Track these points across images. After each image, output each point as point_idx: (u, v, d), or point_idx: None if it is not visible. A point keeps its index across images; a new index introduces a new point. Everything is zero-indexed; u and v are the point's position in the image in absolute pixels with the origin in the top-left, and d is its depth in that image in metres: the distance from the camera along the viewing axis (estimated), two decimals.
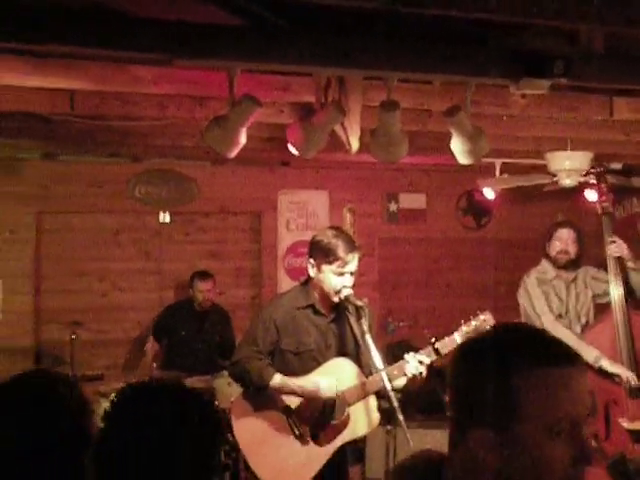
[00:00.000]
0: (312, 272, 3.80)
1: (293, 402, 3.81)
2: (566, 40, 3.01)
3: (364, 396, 3.77)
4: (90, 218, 7.07)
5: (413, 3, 2.48)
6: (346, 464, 4.01)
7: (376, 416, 3.84)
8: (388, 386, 3.56)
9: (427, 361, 3.72)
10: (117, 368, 6.94)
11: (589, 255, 5.36)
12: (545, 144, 5.27)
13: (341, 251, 3.68)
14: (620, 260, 4.89)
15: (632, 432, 4.57)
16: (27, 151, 6.54)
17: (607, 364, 4.66)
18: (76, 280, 7.02)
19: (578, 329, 5.10)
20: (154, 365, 5.94)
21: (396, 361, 3.76)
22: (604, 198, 5.02)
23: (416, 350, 3.81)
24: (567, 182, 5.33)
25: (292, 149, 3.69)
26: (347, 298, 3.72)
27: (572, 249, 5.13)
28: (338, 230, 3.89)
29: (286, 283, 7.23)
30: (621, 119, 4.36)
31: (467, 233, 8.24)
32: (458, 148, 3.64)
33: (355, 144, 4.15)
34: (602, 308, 5.13)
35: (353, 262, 3.72)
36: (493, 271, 8.22)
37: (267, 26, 2.86)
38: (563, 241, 5.12)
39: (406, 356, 3.72)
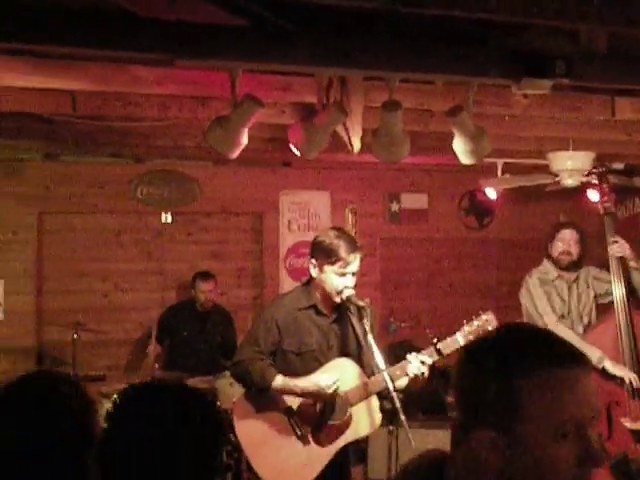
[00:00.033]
0: (314, 272, 3.80)
1: (295, 403, 3.81)
2: (568, 40, 3.01)
3: (366, 396, 3.77)
4: (92, 219, 7.07)
5: (413, 3, 2.48)
6: (348, 464, 4.01)
7: (378, 416, 3.84)
8: (390, 386, 3.56)
9: (429, 361, 3.72)
10: (119, 369, 6.95)
11: (591, 255, 5.35)
12: (547, 144, 5.27)
13: (343, 251, 3.68)
14: (622, 260, 4.88)
15: (634, 432, 4.57)
16: (29, 152, 6.55)
17: (609, 365, 4.66)
18: (78, 280, 7.02)
19: (580, 329, 5.09)
20: (156, 366, 5.94)
21: (398, 361, 3.75)
22: (606, 198, 5.01)
23: (418, 350, 3.80)
24: (569, 182, 5.33)
25: (294, 150, 3.69)
26: (349, 298, 3.72)
27: (574, 250, 5.12)
28: (340, 230, 3.88)
29: (288, 284, 7.23)
30: (623, 119, 4.35)
31: (469, 233, 8.24)
32: (460, 148, 3.63)
33: (357, 144, 4.15)
34: (604, 308, 5.12)
35: (355, 262, 3.72)
36: (495, 271, 8.22)
37: (268, 26, 2.85)
38: (566, 242, 5.12)
39: (408, 356, 3.72)
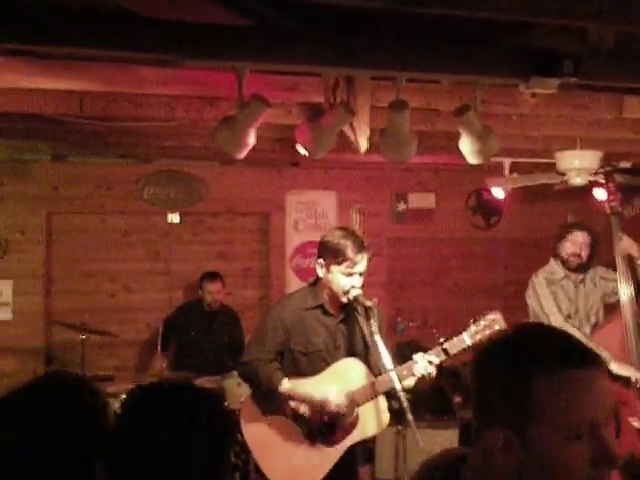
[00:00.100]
0: (321, 272, 3.80)
1: (301, 404, 3.81)
2: (576, 39, 3.00)
3: (373, 396, 3.76)
4: (99, 219, 7.09)
5: (414, 3, 2.47)
6: (356, 464, 4.01)
7: (386, 416, 3.83)
8: (398, 386, 3.55)
9: (436, 361, 3.71)
10: (127, 369, 6.96)
11: (598, 254, 5.33)
12: (555, 143, 5.26)
13: (350, 251, 3.67)
14: (629, 259, 4.87)
15: None
16: (36, 152, 6.57)
17: (615, 367, 4.63)
18: (86, 281, 7.04)
19: (588, 329, 5.08)
20: (164, 366, 5.95)
21: (405, 361, 3.75)
22: (612, 197, 5.00)
23: (425, 350, 3.79)
24: (577, 181, 5.31)
25: (301, 150, 3.69)
26: (356, 298, 3.71)
27: (584, 253, 5.11)
28: (347, 230, 3.88)
29: (294, 283, 7.23)
30: (631, 118, 4.34)
31: (476, 232, 8.22)
32: (467, 148, 3.63)
33: (364, 144, 4.14)
34: (611, 308, 5.11)
35: (362, 262, 3.72)
36: (503, 271, 8.21)
37: (273, 26, 2.85)
38: (577, 245, 5.11)
39: (415, 356, 3.72)
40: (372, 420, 3.81)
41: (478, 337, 3.75)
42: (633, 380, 4.64)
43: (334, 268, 3.72)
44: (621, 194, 5.09)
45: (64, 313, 6.74)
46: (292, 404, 3.77)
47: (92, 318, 6.41)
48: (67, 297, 6.96)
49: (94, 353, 6.36)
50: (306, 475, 3.77)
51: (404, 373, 3.69)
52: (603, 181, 5.16)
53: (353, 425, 3.79)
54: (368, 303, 3.69)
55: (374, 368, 3.82)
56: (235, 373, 4.91)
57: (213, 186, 7.33)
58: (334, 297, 3.79)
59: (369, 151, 4.18)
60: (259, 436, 3.86)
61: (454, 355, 3.78)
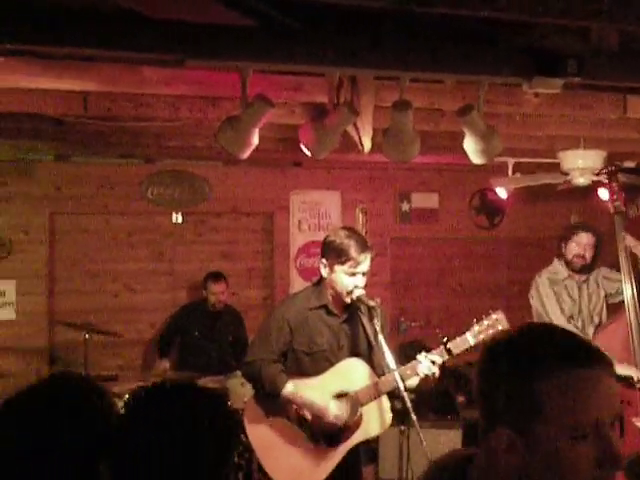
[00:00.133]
0: (324, 272, 3.80)
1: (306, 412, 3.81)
2: (579, 38, 3.00)
3: (377, 396, 3.76)
4: (103, 219, 7.09)
5: (421, 2, 2.47)
6: (359, 464, 4.01)
7: (389, 416, 3.83)
8: (401, 386, 3.55)
9: (439, 361, 3.71)
10: (130, 369, 6.97)
11: (602, 255, 5.33)
12: (558, 143, 5.25)
13: (353, 251, 3.67)
14: (633, 258, 4.86)
15: None
16: (40, 152, 6.57)
17: (617, 367, 4.61)
18: (89, 281, 7.04)
19: (591, 329, 5.07)
20: (167, 366, 5.95)
21: (409, 361, 3.75)
22: (615, 197, 4.99)
23: (428, 350, 3.79)
24: (580, 181, 5.30)
25: (305, 150, 3.69)
26: (359, 298, 3.72)
27: (589, 254, 5.11)
28: (350, 230, 3.88)
29: (298, 283, 7.24)
30: (635, 117, 4.34)
31: (480, 232, 8.22)
32: (471, 147, 3.63)
33: (367, 144, 4.14)
34: (615, 308, 5.10)
35: (365, 262, 3.72)
36: (506, 270, 8.21)
37: (276, 26, 2.85)
38: (582, 246, 5.10)
39: (418, 356, 3.72)
40: (375, 420, 3.81)
41: (481, 337, 3.75)
42: (635, 379, 4.62)
43: (337, 268, 3.72)
44: (625, 194, 5.07)
45: (67, 313, 6.75)
46: (295, 407, 3.77)
47: (95, 318, 6.42)
48: (70, 297, 6.96)
49: (97, 353, 6.36)
50: (309, 475, 3.77)
51: (407, 373, 3.69)
52: (607, 181, 5.15)
53: (356, 425, 3.79)
54: (371, 303, 3.69)
55: (377, 368, 3.82)
56: (239, 373, 4.91)
57: (217, 186, 7.33)
58: (338, 297, 3.79)
59: (373, 151, 4.18)
60: (262, 436, 3.86)
61: (457, 355, 3.78)
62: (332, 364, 3.82)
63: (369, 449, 4.20)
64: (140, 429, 1.77)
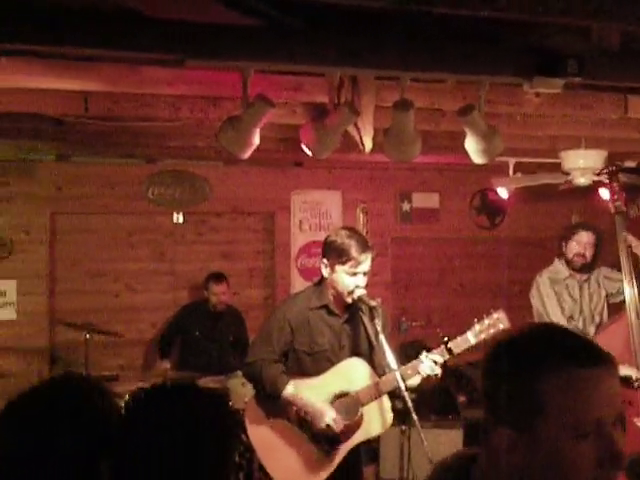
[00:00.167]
0: (325, 272, 3.80)
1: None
2: (580, 38, 2.99)
3: (378, 396, 3.76)
4: (104, 219, 7.09)
5: (421, 1, 2.47)
6: (360, 464, 4.01)
7: (390, 416, 3.83)
8: (402, 386, 3.55)
9: (441, 360, 3.72)
10: (131, 369, 6.97)
11: (602, 255, 5.32)
12: (559, 143, 5.25)
13: (354, 251, 3.68)
14: (634, 258, 4.86)
15: None
16: (41, 153, 6.57)
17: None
18: (90, 281, 7.04)
19: (592, 329, 5.07)
20: (168, 366, 5.96)
21: (409, 361, 3.75)
22: (616, 197, 4.99)
23: (429, 350, 3.80)
24: (581, 181, 5.30)
25: (305, 150, 3.69)
26: (360, 298, 3.72)
27: (589, 253, 5.11)
28: (351, 230, 3.88)
29: (299, 283, 7.24)
30: (636, 117, 4.33)
31: (480, 232, 8.22)
32: (472, 147, 3.63)
33: (368, 144, 4.14)
34: (616, 308, 5.10)
35: (366, 262, 3.72)
36: (507, 270, 8.21)
37: (277, 26, 2.85)
38: (582, 244, 5.11)
39: (420, 356, 3.72)
40: (376, 420, 3.81)
41: (482, 336, 3.75)
42: (634, 378, 4.62)
43: (338, 268, 3.72)
44: (625, 194, 5.07)
45: (68, 313, 6.75)
46: (295, 409, 3.77)
47: (96, 318, 6.42)
48: (71, 297, 6.96)
49: (98, 353, 6.36)
50: (310, 475, 3.77)
51: (408, 372, 3.69)
52: (607, 181, 5.15)
53: (357, 425, 3.79)
54: (372, 303, 3.69)
55: (378, 368, 3.82)
56: (239, 373, 4.91)
57: (218, 186, 7.33)
58: (339, 297, 3.79)
59: (373, 151, 4.18)
60: (263, 436, 3.86)
61: (458, 354, 3.78)
62: (333, 364, 3.82)
63: (370, 449, 4.20)
64: (140, 430, 1.77)
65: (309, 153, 3.69)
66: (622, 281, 4.85)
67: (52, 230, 6.94)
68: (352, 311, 3.84)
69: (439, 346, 3.75)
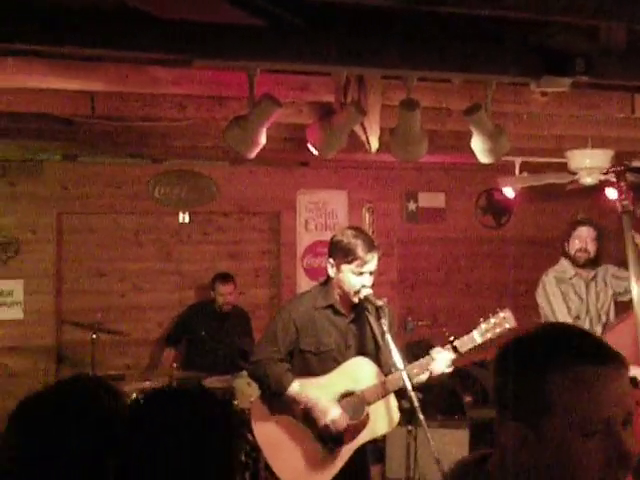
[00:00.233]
0: (332, 272, 3.80)
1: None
2: (587, 37, 2.99)
3: (384, 395, 3.76)
4: (110, 219, 7.10)
5: (430, 1, 2.47)
6: (367, 464, 4.01)
7: (397, 415, 3.83)
8: (409, 386, 3.55)
9: (453, 357, 3.74)
10: (137, 368, 6.97)
11: (610, 253, 5.32)
12: (566, 142, 5.24)
13: (360, 251, 3.68)
14: None
15: None
16: (47, 152, 6.59)
17: None
18: (96, 280, 7.05)
19: (599, 329, 5.06)
20: (174, 365, 5.97)
21: (416, 360, 3.76)
22: (624, 196, 4.98)
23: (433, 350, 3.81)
24: (588, 180, 5.29)
25: (312, 149, 3.69)
26: (367, 298, 3.72)
27: (591, 247, 5.10)
28: (357, 230, 3.88)
29: (305, 283, 7.24)
30: None
31: (486, 232, 8.21)
32: (479, 147, 3.62)
33: (375, 144, 4.14)
34: (623, 307, 5.09)
35: (372, 262, 3.72)
36: (513, 270, 8.19)
37: (282, 26, 2.85)
38: (582, 239, 5.10)
39: (432, 353, 3.73)
40: (383, 419, 3.81)
41: (488, 335, 3.76)
42: (638, 378, 4.60)
43: (344, 267, 3.72)
44: (633, 193, 5.06)
45: (75, 312, 6.76)
46: (301, 407, 3.77)
47: (103, 317, 6.42)
48: (78, 296, 6.97)
49: (105, 352, 6.38)
50: (317, 474, 3.77)
51: (415, 371, 3.69)
52: (615, 180, 5.14)
53: (363, 424, 3.79)
54: (379, 302, 3.69)
55: (385, 367, 3.82)
56: (245, 373, 4.91)
57: (223, 186, 7.34)
58: (345, 297, 3.79)
59: (380, 150, 4.18)
60: (269, 435, 3.87)
61: (465, 353, 3.78)
62: (339, 364, 3.82)
63: (376, 449, 4.20)
64: (147, 430, 1.78)
65: (315, 153, 3.69)
66: (630, 280, 4.84)
67: (59, 230, 6.95)
68: (358, 311, 3.84)
69: (445, 345, 3.76)
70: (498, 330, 3.75)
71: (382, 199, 7.78)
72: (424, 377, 3.75)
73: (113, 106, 4.02)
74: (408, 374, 3.60)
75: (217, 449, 1.77)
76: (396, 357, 3.61)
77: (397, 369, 3.63)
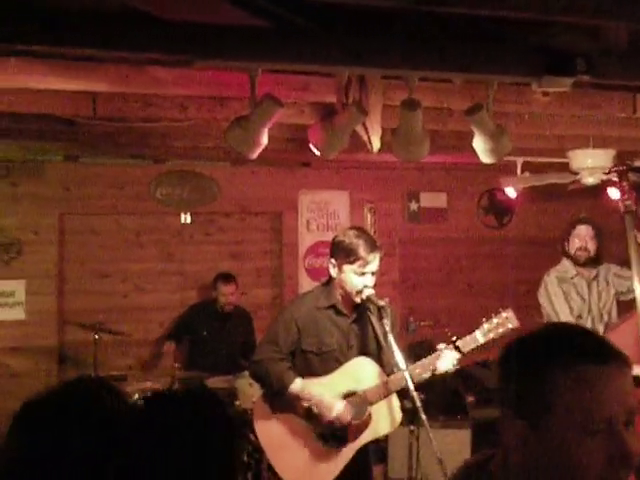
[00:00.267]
0: (334, 272, 3.80)
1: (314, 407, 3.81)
2: (588, 37, 2.99)
3: (386, 395, 3.76)
4: (112, 219, 7.11)
5: (436, 2, 2.47)
6: (369, 464, 4.01)
7: (399, 415, 3.84)
8: (411, 386, 3.55)
9: (458, 357, 3.75)
10: (139, 368, 6.98)
11: (612, 253, 5.31)
12: (567, 142, 5.24)
13: (362, 251, 3.68)
14: None
15: None
16: (49, 153, 6.59)
17: None
18: (98, 281, 7.06)
19: (601, 328, 5.05)
20: (176, 365, 5.97)
21: (418, 360, 3.76)
22: (626, 196, 4.97)
23: (436, 350, 3.80)
24: (590, 180, 5.29)
25: (314, 150, 3.69)
26: (369, 298, 3.72)
27: (591, 246, 5.10)
28: (359, 230, 3.88)
29: (307, 283, 7.24)
30: None
31: (488, 232, 8.21)
32: (480, 147, 3.62)
33: (376, 144, 4.14)
34: (625, 307, 5.08)
35: (374, 262, 3.72)
36: (514, 270, 8.18)
37: (284, 26, 2.85)
38: (581, 238, 5.10)
39: (439, 349, 3.73)
40: (385, 419, 3.81)
41: (491, 335, 3.76)
42: None
43: (346, 267, 3.72)
44: (635, 193, 5.06)
45: (77, 313, 6.77)
46: (304, 404, 3.77)
47: (105, 318, 6.43)
48: (80, 297, 6.98)
49: (107, 353, 6.38)
50: (319, 474, 3.77)
51: (417, 371, 3.69)
52: (617, 180, 5.14)
53: (365, 424, 3.79)
54: (381, 303, 3.69)
55: (387, 367, 3.82)
56: (247, 373, 4.91)
57: (225, 186, 7.34)
58: (347, 297, 3.79)
59: (381, 151, 4.18)
60: (272, 436, 3.87)
61: (467, 353, 3.78)
62: (341, 364, 3.82)
63: (378, 449, 4.20)
64: (149, 431, 1.78)
65: (317, 153, 3.69)
66: (633, 279, 4.83)
67: (60, 230, 6.96)
68: (360, 311, 3.84)
69: (447, 345, 3.76)
70: (501, 330, 3.75)
71: (384, 199, 7.78)
72: (426, 375, 3.75)
73: (114, 107, 4.02)
74: (410, 374, 3.60)
75: (218, 449, 1.77)
76: (398, 357, 3.61)
77: (399, 369, 3.63)
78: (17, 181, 6.76)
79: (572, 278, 5.13)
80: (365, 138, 4.06)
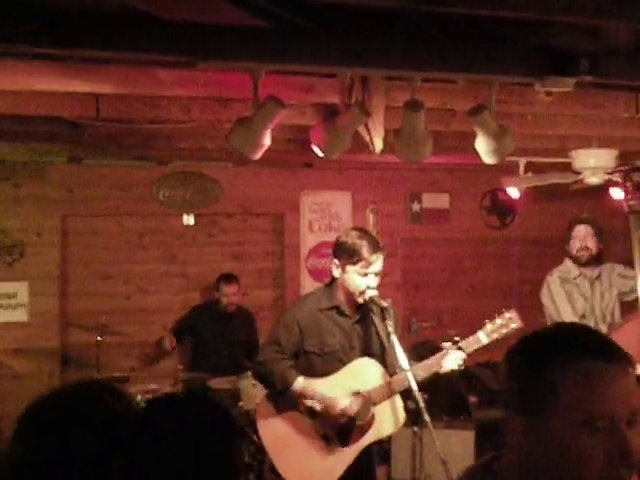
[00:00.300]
0: (336, 273, 3.80)
1: (317, 403, 3.80)
2: (591, 37, 2.99)
3: (389, 395, 3.76)
4: (115, 221, 7.11)
5: (437, 2, 2.47)
6: (373, 465, 4.00)
7: (402, 415, 3.83)
8: (414, 386, 3.55)
9: (464, 355, 3.75)
10: (142, 370, 6.97)
11: (616, 253, 5.30)
12: (570, 142, 5.24)
13: (365, 251, 3.68)
14: None
15: None
16: (53, 155, 6.59)
17: None
18: (101, 283, 7.06)
19: (604, 328, 5.05)
20: (179, 367, 5.98)
21: (421, 361, 3.76)
22: (630, 196, 4.96)
23: (440, 350, 3.80)
24: (593, 180, 5.29)
25: (316, 150, 3.69)
26: (372, 299, 3.71)
27: (591, 245, 5.10)
28: (362, 231, 3.88)
29: (309, 284, 7.23)
30: None
31: (491, 232, 8.20)
32: (483, 147, 3.62)
33: (379, 145, 4.14)
34: (628, 307, 5.08)
35: (377, 263, 3.72)
36: (517, 270, 8.18)
37: (286, 27, 2.85)
38: (581, 238, 5.10)
39: (446, 347, 3.73)
40: (388, 419, 3.81)
41: (494, 336, 3.75)
42: None
43: (349, 268, 3.72)
44: (639, 193, 5.05)
45: (80, 315, 6.77)
46: (308, 402, 3.77)
47: (108, 320, 6.43)
48: (83, 299, 6.98)
49: (109, 354, 6.39)
50: (322, 475, 3.77)
51: (420, 372, 3.69)
52: (620, 180, 5.13)
53: (369, 425, 3.78)
54: (384, 304, 3.69)
55: (390, 368, 3.82)
56: (250, 374, 4.91)
57: (228, 187, 7.34)
58: (350, 298, 3.79)
59: (384, 151, 4.18)
60: (275, 436, 3.87)
61: (470, 354, 3.78)
62: (344, 365, 3.82)
63: (382, 449, 4.20)
64: (150, 432, 1.78)
65: (319, 154, 3.70)
66: (636, 279, 4.82)
67: (63, 232, 6.96)
68: (363, 312, 3.84)
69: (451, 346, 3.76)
70: (504, 331, 3.75)
71: (386, 200, 7.77)
72: (430, 375, 3.75)
73: (118, 108, 4.03)
74: (414, 375, 3.60)
75: (218, 451, 1.77)
76: (401, 358, 3.61)
77: (402, 370, 3.62)
78: (20, 182, 6.77)
79: (575, 278, 5.13)
80: (367, 139, 4.07)
